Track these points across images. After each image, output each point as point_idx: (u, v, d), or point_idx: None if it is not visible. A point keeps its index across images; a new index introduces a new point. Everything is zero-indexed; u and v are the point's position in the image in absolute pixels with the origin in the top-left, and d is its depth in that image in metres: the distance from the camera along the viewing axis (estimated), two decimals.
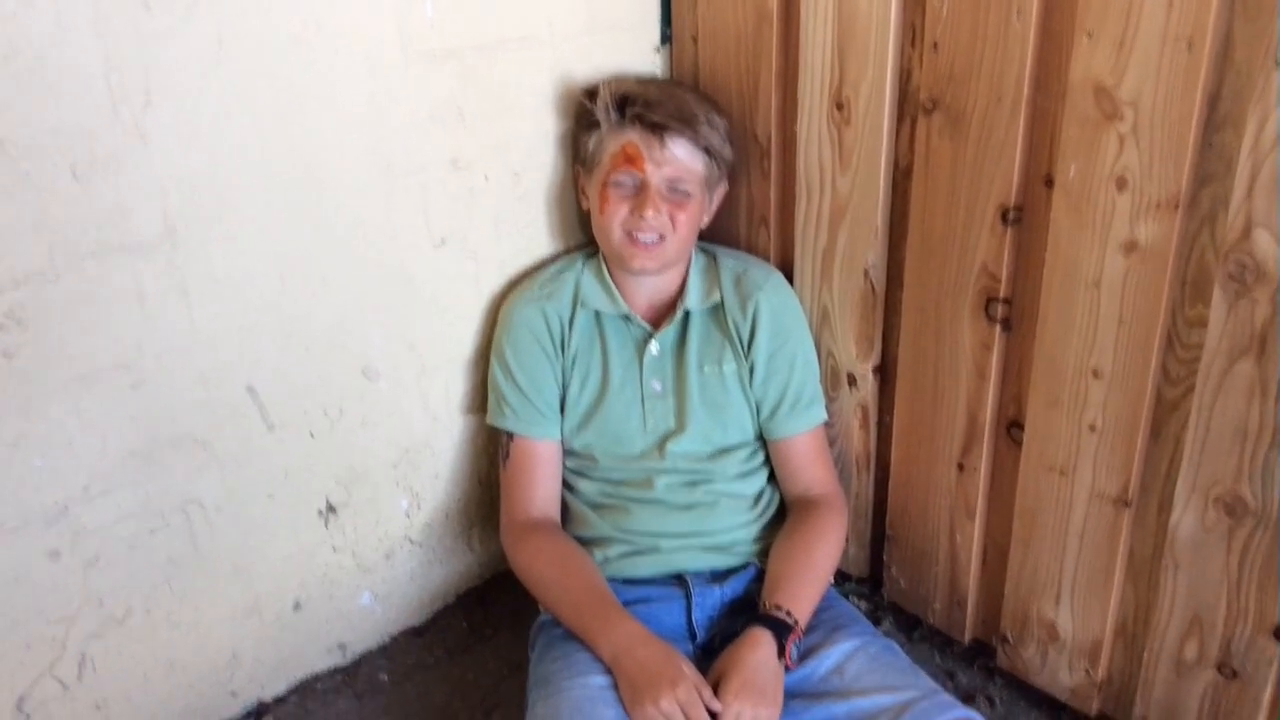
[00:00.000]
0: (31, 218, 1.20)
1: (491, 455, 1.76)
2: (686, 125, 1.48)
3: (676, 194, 1.50)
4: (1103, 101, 1.25)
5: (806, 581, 1.47)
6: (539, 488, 1.59)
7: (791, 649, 1.38)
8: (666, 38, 1.76)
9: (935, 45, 1.40)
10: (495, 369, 1.62)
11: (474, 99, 1.56)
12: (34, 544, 1.31)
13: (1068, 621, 1.52)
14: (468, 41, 1.52)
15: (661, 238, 1.50)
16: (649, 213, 1.47)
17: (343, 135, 1.44)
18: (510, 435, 1.60)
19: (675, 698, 1.28)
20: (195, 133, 1.29)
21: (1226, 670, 1.37)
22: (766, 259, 1.71)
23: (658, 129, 1.47)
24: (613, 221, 1.51)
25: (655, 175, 1.48)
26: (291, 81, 1.36)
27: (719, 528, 1.54)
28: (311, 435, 1.54)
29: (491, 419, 1.63)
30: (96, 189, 1.23)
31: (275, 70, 1.34)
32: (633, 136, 1.48)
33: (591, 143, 1.52)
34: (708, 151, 1.53)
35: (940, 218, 1.47)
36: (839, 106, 1.53)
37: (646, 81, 1.54)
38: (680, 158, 1.49)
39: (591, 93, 1.55)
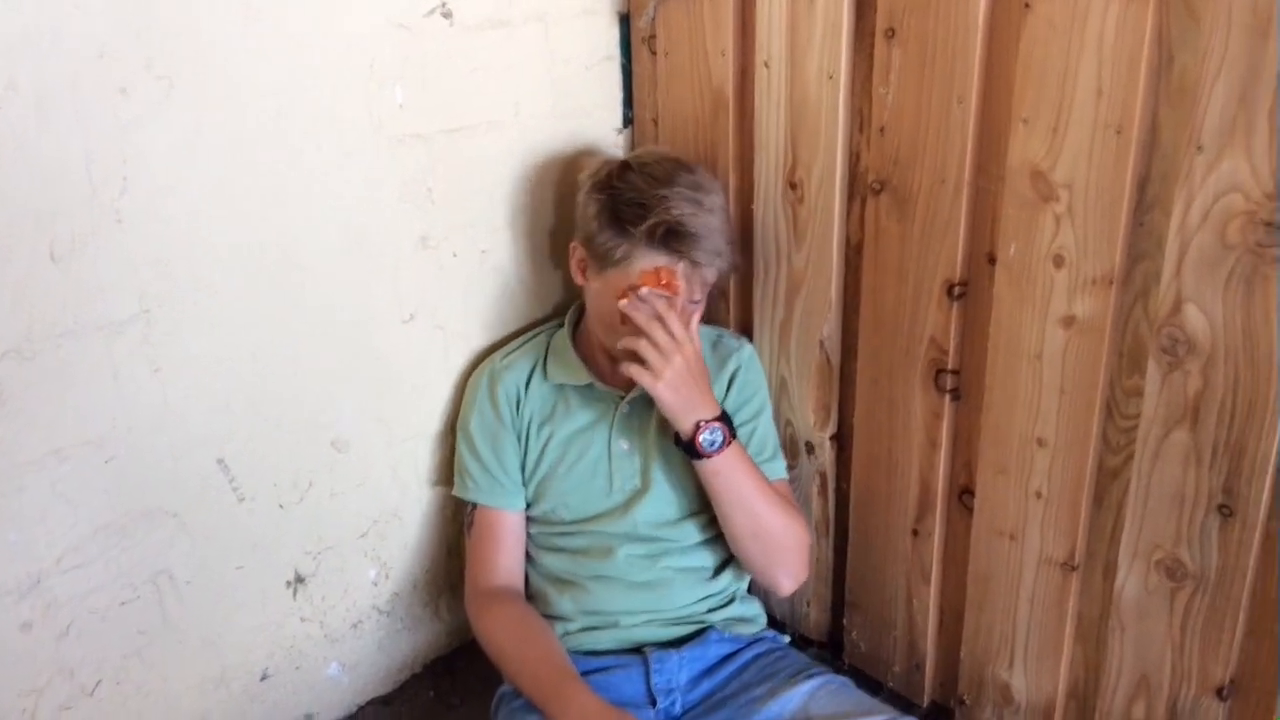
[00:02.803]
0: (10, 296, 1.23)
1: (459, 525, 1.79)
2: (719, 257, 1.48)
3: (692, 304, 1.50)
4: (1039, 184, 1.32)
5: (761, 478, 1.51)
6: (501, 556, 1.61)
7: (705, 433, 1.44)
8: (629, 120, 1.83)
9: (882, 130, 1.47)
10: (459, 441, 1.65)
11: (443, 179, 1.61)
12: (6, 616, 1.33)
13: (1021, 684, 1.56)
14: (436, 125, 1.57)
15: None
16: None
17: (315, 215, 1.48)
18: (473, 505, 1.63)
19: None
20: (171, 215, 1.34)
21: None
22: None
23: (697, 264, 1.46)
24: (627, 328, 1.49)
25: (685, 296, 1.47)
26: (266, 165, 1.41)
27: (677, 604, 1.57)
28: (281, 506, 1.57)
29: (455, 490, 1.66)
30: (74, 269, 1.27)
31: (250, 154, 1.39)
32: (671, 262, 1.45)
33: (619, 250, 1.46)
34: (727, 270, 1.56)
35: (890, 292, 1.53)
36: (793, 186, 1.59)
37: (681, 198, 1.44)
38: (707, 279, 1.50)
39: (605, 181, 1.50)
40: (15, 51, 1.17)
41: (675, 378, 1.42)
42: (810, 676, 1.48)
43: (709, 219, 1.46)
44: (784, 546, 1.54)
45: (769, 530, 1.52)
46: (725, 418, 1.46)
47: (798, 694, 1.45)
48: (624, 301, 1.43)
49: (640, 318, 1.42)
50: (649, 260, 1.44)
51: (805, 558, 1.57)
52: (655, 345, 1.41)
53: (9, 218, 1.21)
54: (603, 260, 1.48)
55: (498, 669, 1.56)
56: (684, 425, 1.45)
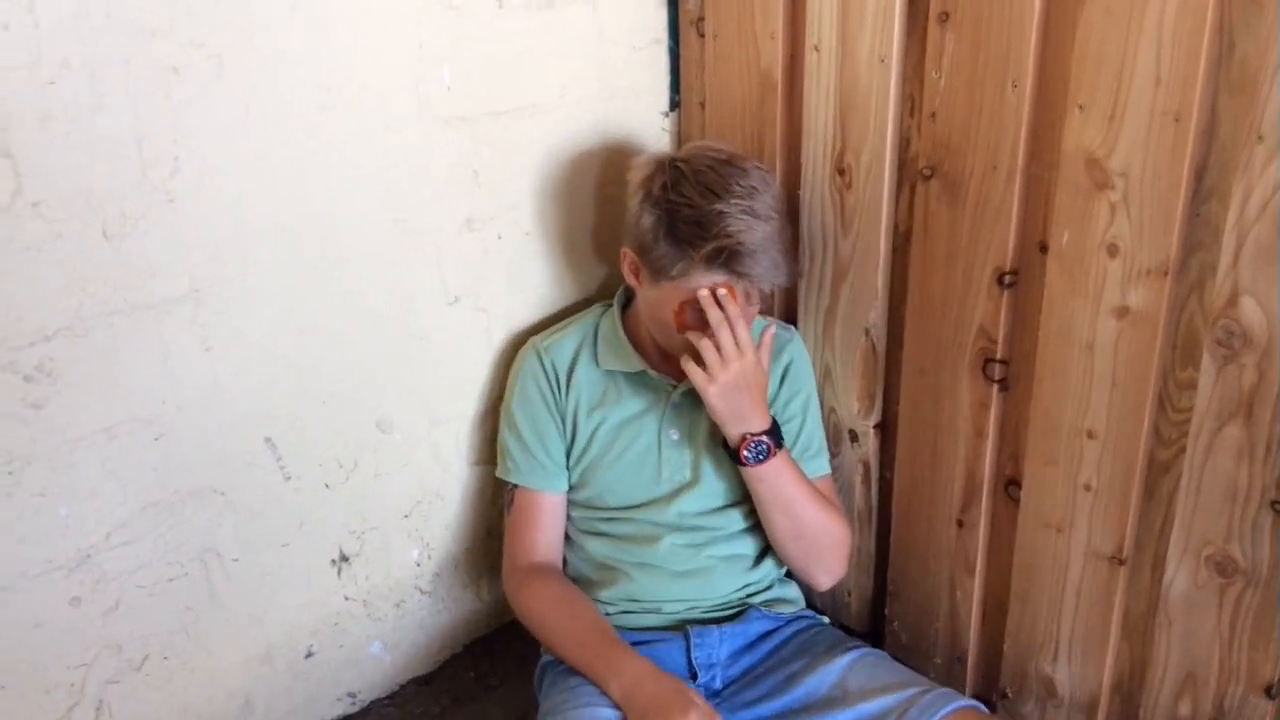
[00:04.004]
0: (63, 275, 1.25)
1: (500, 506, 1.79)
2: (776, 271, 1.45)
3: (748, 308, 1.49)
4: (1094, 172, 1.30)
5: (806, 482, 1.52)
6: (541, 535, 1.61)
7: (750, 447, 1.45)
8: (675, 103, 1.82)
9: (933, 115, 1.45)
10: (502, 423, 1.65)
11: (488, 161, 1.61)
12: (56, 590, 1.35)
13: (1065, 678, 1.54)
14: (483, 107, 1.57)
15: None
16: None
17: (361, 197, 1.49)
18: (514, 486, 1.63)
19: None
20: (220, 195, 1.35)
21: None
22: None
23: (755, 281, 1.44)
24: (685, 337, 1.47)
25: (742, 307, 1.45)
26: (313, 145, 1.42)
27: (719, 593, 1.58)
28: (326, 486, 1.58)
29: (498, 472, 1.66)
30: (125, 248, 1.29)
31: (298, 134, 1.40)
32: (731, 280, 1.42)
33: (675, 267, 1.43)
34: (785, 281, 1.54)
35: (939, 280, 1.52)
36: (840, 172, 1.58)
37: (739, 212, 1.41)
38: (765, 291, 1.49)
39: (660, 195, 1.45)
40: (68, 30, 1.19)
41: (729, 384, 1.41)
42: (848, 650, 1.49)
43: (765, 228, 1.42)
44: (824, 547, 1.56)
45: (811, 532, 1.54)
46: (774, 430, 1.46)
47: (836, 667, 1.46)
48: (703, 293, 1.41)
49: (712, 316, 1.41)
50: (706, 279, 1.42)
51: (845, 556, 1.60)
52: (718, 347, 1.41)
53: (61, 197, 1.22)
54: (659, 273, 1.46)
55: (540, 641, 1.57)
56: (730, 434, 1.46)
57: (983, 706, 1.40)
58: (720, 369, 1.41)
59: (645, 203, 1.47)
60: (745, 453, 1.45)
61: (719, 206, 1.41)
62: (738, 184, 1.43)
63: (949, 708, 1.36)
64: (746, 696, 1.48)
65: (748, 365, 1.42)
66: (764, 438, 1.45)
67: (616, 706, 1.38)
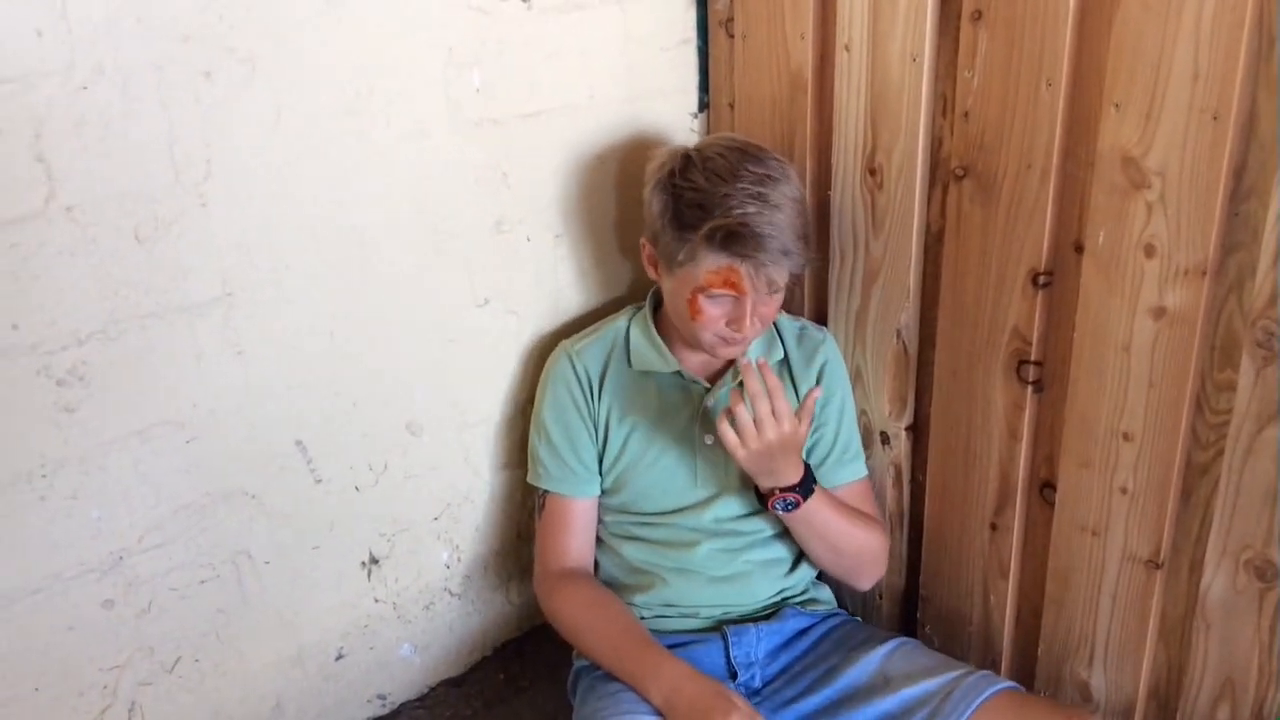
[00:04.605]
0: (96, 278, 1.25)
1: (530, 509, 1.79)
2: (786, 257, 1.42)
3: (768, 296, 1.46)
4: (1130, 171, 1.28)
5: (835, 500, 1.52)
6: (573, 539, 1.61)
7: (779, 501, 1.45)
8: (704, 104, 1.81)
9: (966, 114, 1.44)
10: (532, 428, 1.64)
11: (518, 163, 1.61)
12: (89, 593, 1.36)
13: (1100, 682, 1.52)
14: (513, 110, 1.57)
15: None
16: (747, 326, 1.44)
17: (391, 199, 1.49)
18: (545, 491, 1.62)
19: None
20: (252, 198, 1.35)
21: None
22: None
23: (761, 265, 1.41)
24: (705, 328, 1.46)
25: (752, 294, 1.43)
26: (343, 149, 1.42)
27: (757, 598, 1.57)
28: (357, 489, 1.58)
29: (529, 477, 1.65)
30: (158, 252, 1.29)
31: (328, 137, 1.40)
32: (735, 263, 1.40)
33: (682, 251, 1.42)
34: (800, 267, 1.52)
35: (972, 281, 1.50)
36: (872, 172, 1.57)
37: (745, 195, 1.39)
38: (776, 279, 1.45)
39: (667, 178, 1.46)
40: (101, 34, 1.19)
41: (761, 451, 1.39)
42: (884, 640, 1.50)
43: (774, 215, 1.39)
44: (864, 563, 1.60)
45: (849, 554, 1.57)
46: (804, 482, 1.44)
47: (875, 657, 1.46)
48: (743, 362, 1.40)
49: (751, 384, 1.38)
50: (713, 262, 1.41)
51: (884, 563, 1.63)
52: (755, 413, 1.37)
53: (95, 201, 1.23)
54: (669, 260, 1.46)
55: (573, 645, 1.57)
56: (760, 484, 1.46)
57: (1022, 689, 1.42)
58: (753, 437, 1.38)
59: (655, 189, 1.48)
60: (774, 504, 1.45)
61: (724, 190, 1.40)
62: (749, 170, 1.41)
63: (991, 689, 1.37)
64: (787, 694, 1.48)
65: (785, 432, 1.38)
66: (793, 493, 1.43)
67: (656, 712, 1.37)
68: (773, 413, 1.37)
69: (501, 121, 1.57)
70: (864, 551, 1.57)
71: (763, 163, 1.43)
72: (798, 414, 1.40)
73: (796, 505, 1.45)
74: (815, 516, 1.48)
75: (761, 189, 1.40)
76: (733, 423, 1.38)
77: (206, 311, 1.35)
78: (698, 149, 1.47)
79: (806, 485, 1.45)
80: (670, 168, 1.46)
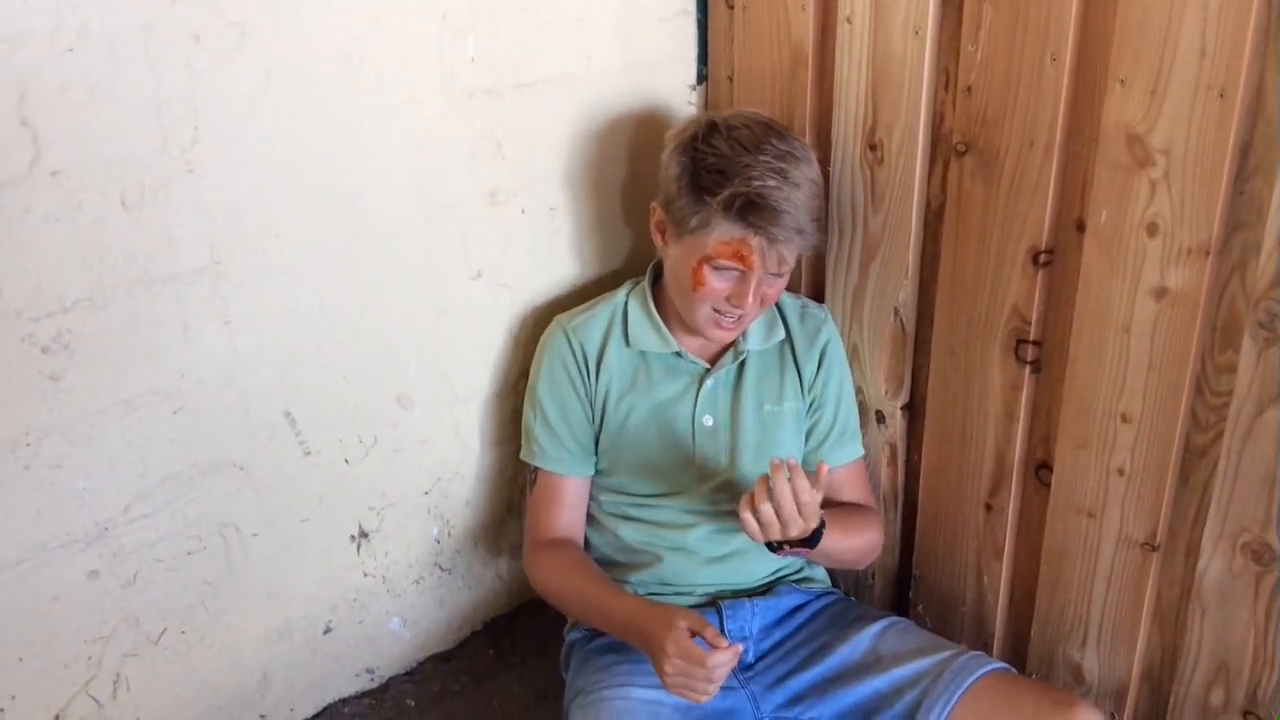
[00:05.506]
0: (82, 245, 1.23)
1: (521, 485, 1.78)
2: (799, 235, 1.41)
3: (772, 276, 1.45)
4: (1135, 148, 1.27)
5: (841, 520, 1.47)
6: (562, 514, 1.59)
7: (785, 554, 1.42)
8: (702, 76, 1.79)
9: (968, 89, 1.42)
10: (526, 405, 1.62)
11: (513, 134, 1.58)
12: (74, 563, 1.34)
13: (1094, 664, 1.52)
14: (508, 79, 1.55)
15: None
16: (749, 304, 1.43)
17: (384, 168, 1.47)
18: (536, 468, 1.60)
19: (670, 658, 1.27)
20: (241, 165, 1.33)
21: (1252, 718, 1.36)
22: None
23: (774, 240, 1.39)
24: (705, 300, 1.44)
25: (760, 269, 1.41)
26: (335, 115, 1.39)
27: (753, 578, 1.57)
28: (346, 461, 1.57)
29: (521, 454, 1.63)
30: (145, 219, 1.27)
31: (320, 104, 1.38)
32: (747, 235, 1.38)
33: (694, 218, 1.40)
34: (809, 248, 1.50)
35: (971, 259, 1.49)
36: (872, 148, 1.55)
37: (766, 169, 1.37)
38: (786, 256, 1.43)
39: (688, 142, 1.43)
40: None
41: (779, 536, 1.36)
42: (877, 619, 1.51)
43: (793, 193, 1.38)
44: (865, 560, 1.63)
45: (847, 560, 1.60)
46: (813, 536, 1.37)
47: (867, 635, 1.47)
48: (774, 461, 1.32)
49: (779, 484, 1.30)
50: (725, 231, 1.39)
51: (879, 551, 1.65)
52: (781, 513, 1.32)
53: (80, 166, 1.21)
54: (680, 226, 1.44)
55: (561, 610, 1.57)
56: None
57: (1013, 670, 1.42)
58: (776, 532, 1.34)
59: (675, 153, 1.46)
60: (780, 554, 1.42)
61: (746, 159, 1.38)
62: (773, 144, 1.40)
63: (982, 670, 1.37)
64: (779, 670, 1.48)
65: (808, 516, 1.33)
66: (803, 547, 1.39)
67: (650, 685, 1.36)
68: (797, 509, 1.32)
69: (496, 91, 1.54)
70: (863, 556, 1.59)
71: (787, 140, 1.43)
72: (814, 488, 1.34)
73: (804, 557, 1.50)
74: (820, 551, 1.43)
75: (783, 164, 1.39)
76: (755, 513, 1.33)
77: (194, 280, 1.33)
78: (724, 118, 1.45)
79: (816, 536, 1.38)
80: (693, 132, 1.44)
